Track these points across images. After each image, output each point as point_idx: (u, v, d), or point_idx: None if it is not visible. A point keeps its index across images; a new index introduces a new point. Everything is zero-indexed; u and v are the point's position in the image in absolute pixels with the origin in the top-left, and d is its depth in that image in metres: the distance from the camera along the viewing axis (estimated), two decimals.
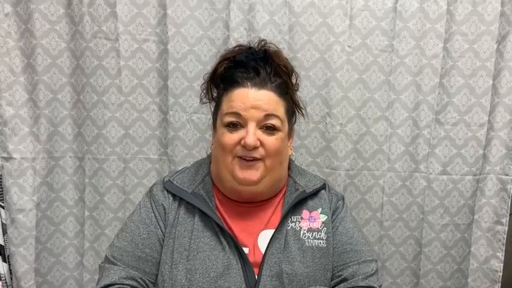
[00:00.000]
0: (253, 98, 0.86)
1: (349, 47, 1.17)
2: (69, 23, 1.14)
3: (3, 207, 1.16)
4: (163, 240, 0.90)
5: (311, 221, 0.93)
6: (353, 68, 1.18)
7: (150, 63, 1.17)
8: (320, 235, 0.92)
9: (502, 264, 1.23)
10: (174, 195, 0.92)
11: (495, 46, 1.17)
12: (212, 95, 0.95)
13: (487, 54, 1.18)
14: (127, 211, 1.20)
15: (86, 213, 1.21)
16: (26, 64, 1.14)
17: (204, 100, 0.96)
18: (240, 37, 1.14)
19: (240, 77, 0.88)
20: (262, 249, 0.89)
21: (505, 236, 1.23)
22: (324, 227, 0.93)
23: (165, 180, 0.95)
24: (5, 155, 1.14)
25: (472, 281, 1.25)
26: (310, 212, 0.94)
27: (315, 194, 0.96)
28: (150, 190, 0.95)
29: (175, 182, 0.93)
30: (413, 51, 1.18)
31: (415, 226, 1.24)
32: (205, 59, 1.16)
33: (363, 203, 1.24)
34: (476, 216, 1.24)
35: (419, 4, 1.15)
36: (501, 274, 1.24)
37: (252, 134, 0.84)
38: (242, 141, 0.85)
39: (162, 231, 0.91)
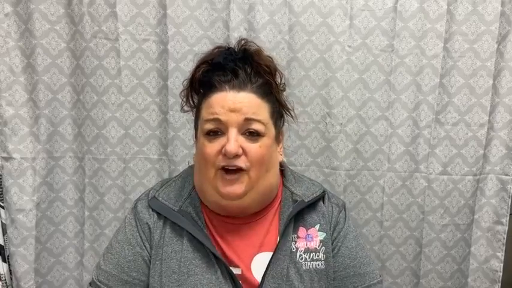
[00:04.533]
0: (232, 101, 0.79)
1: (349, 47, 1.17)
2: (69, 23, 1.14)
3: (3, 207, 1.16)
4: (150, 261, 0.85)
5: (308, 240, 0.86)
6: (353, 68, 1.18)
7: (150, 63, 1.17)
8: (318, 256, 0.85)
9: (502, 264, 1.23)
10: (158, 213, 0.86)
11: (495, 46, 1.17)
12: (193, 102, 0.89)
13: (487, 54, 1.17)
14: (127, 211, 1.20)
15: (86, 213, 1.21)
16: (25, 64, 1.13)
17: (186, 108, 0.90)
18: (240, 37, 1.13)
19: (218, 80, 0.81)
20: (256, 274, 0.83)
21: (505, 236, 1.23)
22: (322, 246, 0.86)
23: (150, 195, 0.88)
24: (5, 155, 1.14)
25: (472, 281, 1.25)
26: (307, 229, 0.86)
27: (312, 206, 0.88)
28: (135, 206, 0.89)
29: (160, 199, 0.86)
30: (414, 51, 1.17)
31: (415, 226, 1.24)
32: None
33: (363, 203, 1.24)
34: (476, 216, 1.24)
35: (420, 4, 1.15)
36: (501, 274, 1.23)
37: (233, 141, 0.77)
38: (223, 150, 0.78)
39: (148, 252, 0.85)
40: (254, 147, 0.80)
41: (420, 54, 1.18)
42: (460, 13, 1.16)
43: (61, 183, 1.20)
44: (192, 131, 1.17)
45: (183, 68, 1.16)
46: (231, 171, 0.79)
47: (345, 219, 0.91)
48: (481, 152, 1.21)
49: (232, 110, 0.78)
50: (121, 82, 1.16)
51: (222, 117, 0.78)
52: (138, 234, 0.85)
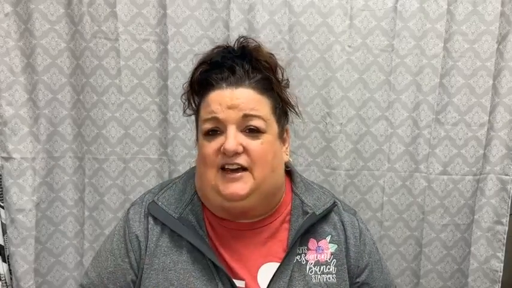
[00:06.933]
0: (229, 98, 0.76)
1: (349, 47, 1.17)
2: (69, 23, 1.14)
3: (3, 207, 1.16)
4: (131, 273, 0.81)
5: (318, 253, 0.82)
6: (353, 68, 1.18)
7: (150, 63, 1.17)
8: (329, 269, 0.81)
9: (502, 264, 1.23)
10: (155, 218, 0.82)
11: (495, 46, 1.17)
12: (195, 104, 0.85)
13: (487, 54, 1.17)
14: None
15: (86, 213, 1.21)
16: (25, 64, 1.13)
17: (188, 112, 0.87)
18: (239, 35, 1.13)
19: (215, 78, 0.78)
20: (263, 286, 0.79)
21: (505, 236, 1.23)
22: (333, 258, 0.82)
23: (147, 200, 0.84)
24: (4, 155, 1.14)
25: (472, 281, 1.25)
26: (317, 241, 0.82)
27: (323, 217, 0.84)
28: (128, 212, 0.85)
29: (160, 204, 0.82)
30: (414, 51, 1.17)
31: (415, 226, 1.24)
32: None
33: (363, 203, 1.23)
34: (476, 216, 1.24)
35: (420, 4, 1.15)
36: (501, 274, 1.23)
37: (231, 138, 0.74)
38: (222, 148, 0.74)
39: (131, 264, 0.81)
40: (255, 144, 0.76)
41: (420, 54, 1.18)
42: (460, 13, 1.16)
43: (61, 183, 1.20)
44: (192, 131, 1.18)
45: (183, 68, 1.16)
46: (232, 171, 0.76)
47: (364, 228, 0.89)
48: (481, 152, 1.21)
49: (230, 107, 0.75)
50: (121, 82, 1.16)
51: (220, 115, 0.75)
52: (123, 245, 0.82)
